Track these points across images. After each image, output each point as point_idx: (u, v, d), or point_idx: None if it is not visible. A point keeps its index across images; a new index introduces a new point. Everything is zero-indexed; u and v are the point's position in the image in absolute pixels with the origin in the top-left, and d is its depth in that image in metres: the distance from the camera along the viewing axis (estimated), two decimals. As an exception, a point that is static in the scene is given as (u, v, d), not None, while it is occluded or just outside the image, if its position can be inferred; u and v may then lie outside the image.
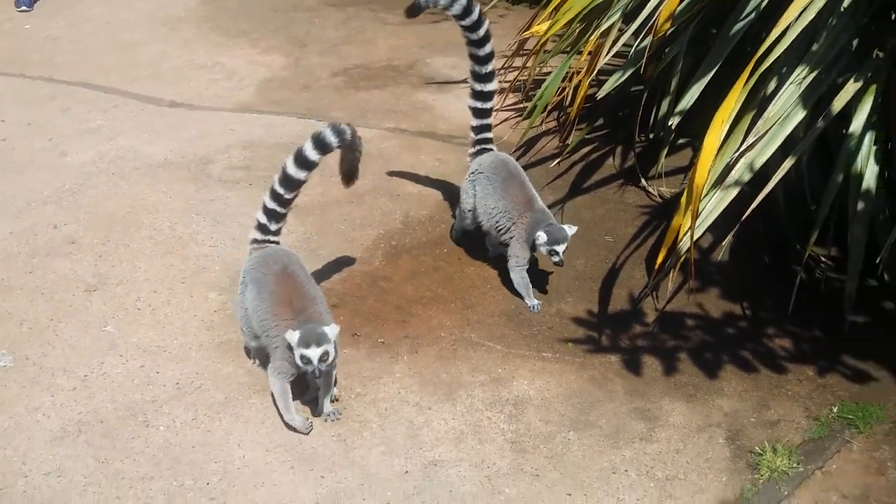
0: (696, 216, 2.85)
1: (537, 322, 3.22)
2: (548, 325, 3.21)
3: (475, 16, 3.26)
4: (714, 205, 3.04)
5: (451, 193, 3.93)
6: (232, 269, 3.36)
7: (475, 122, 3.52)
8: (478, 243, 3.63)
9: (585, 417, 2.76)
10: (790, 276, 3.14)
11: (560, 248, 3.18)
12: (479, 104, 3.45)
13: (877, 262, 2.90)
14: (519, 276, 3.31)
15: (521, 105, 4.64)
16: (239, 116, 4.67)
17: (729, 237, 3.29)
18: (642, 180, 4.03)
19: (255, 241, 2.96)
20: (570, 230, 3.24)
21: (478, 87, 3.40)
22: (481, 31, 3.29)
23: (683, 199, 3.02)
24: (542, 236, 3.18)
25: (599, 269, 3.51)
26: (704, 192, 2.95)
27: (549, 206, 3.77)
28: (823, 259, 3.39)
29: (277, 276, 2.77)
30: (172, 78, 5.13)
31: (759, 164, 3.00)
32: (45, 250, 3.48)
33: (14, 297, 3.20)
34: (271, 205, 2.91)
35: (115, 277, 3.33)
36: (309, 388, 2.81)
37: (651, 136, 4.20)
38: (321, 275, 3.40)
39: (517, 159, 4.04)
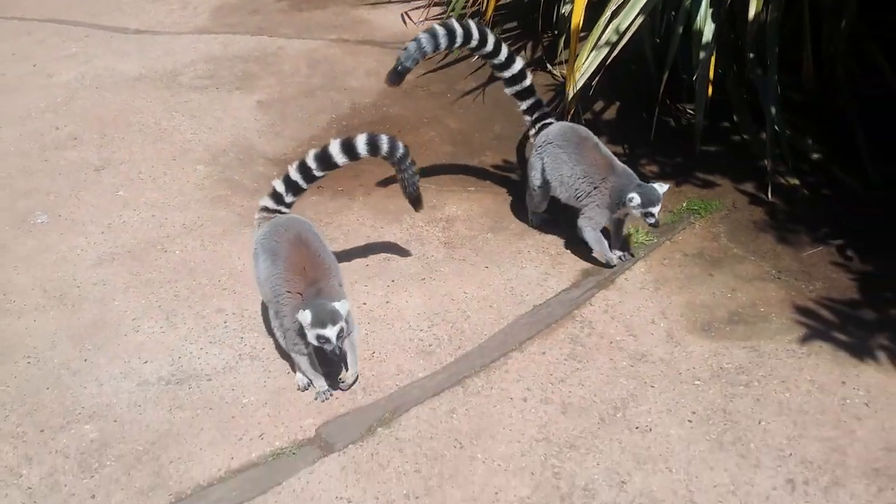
0: (574, 71, 3.84)
1: (463, 168, 4.19)
2: (473, 169, 4.19)
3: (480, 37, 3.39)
4: (590, 63, 4.02)
5: (386, 86, 4.86)
6: (212, 148, 4.27)
7: (525, 105, 3.58)
8: (410, 116, 4.58)
9: (499, 224, 3.77)
10: (662, 124, 4.16)
11: (655, 210, 3.19)
12: (518, 87, 3.54)
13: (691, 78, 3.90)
14: (594, 236, 3.40)
15: (445, 15, 5.56)
16: (198, 37, 5.50)
17: (616, 105, 4.30)
18: (548, 66, 5.01)
19: (266, 209, 3.04)
20: (662, 188, 3.23)
21: (507, 73, 3.49)
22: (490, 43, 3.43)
23: (567, 66, 4.01)
24: (635, 198, 3.18)
25: (513, 132, 4.49)
26: (585, 55, 3.94)
27: (474, 90, 4.77)
28: (690, 109, 4.43)
29: (291, 243, 2.82)
30: (132, 11, 5.92)
31: (623, 26, 3.99)
32: (52, 145, 4.32)
33: (37, 179, 4.06)
34: (295, 176, 2.98)
35: (118, 160, 4.21)
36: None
37: (556, 31, 5.17)
38: (284, 147, 4.33)
39: (441, 60, 5.04)
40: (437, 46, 3.37)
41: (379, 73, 5.07)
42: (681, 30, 3.95)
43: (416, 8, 5.78)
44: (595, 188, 3.35)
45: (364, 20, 5.74)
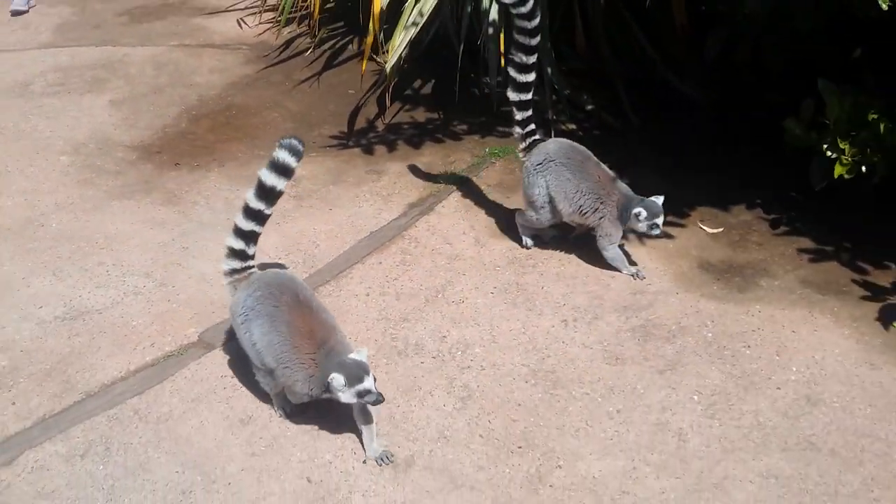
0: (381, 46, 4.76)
1: (306, 141, 4.98)
2: (312, 140, 4.99)
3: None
4: (401, 41, 4.94)
5: (229, 80, 5.60)
6: (72, 142, 4.84)
7: (520, 116, 3.71)
8: (253, 103, 5.34)
9: (339, 179, 4.60)
10: (470, 93, 5.15)
11: (660, 221, 3.51)
12: (521, 97, 3.66)
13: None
14: (614, 253, 3.67)
15: (276, 19, 6.35)
16: (45, 51, 5.99)
17: (432, 82, 5.28)
18: (372, 56, 5.92)
19: (235, 271, 3.03)
20: (660, 200, 3.54)
21: (521, 78, 3.59)
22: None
23: (369, 40, 4.93)
24: (642, 212, 3.47)
25: (345, 110, 5.34)
26: (398, 36, 4.86)
27: (310, 78, 5.59)
28: (488, 79, 5.46)
29: (291, 306, 2.84)
30: (-28, 33, 6.30)
31: (426, 9, 4.95)
32: (-86, 151, 4.72)
33: None
34: (248, 226, 2.95)
35: (-18, 158, 4.68)
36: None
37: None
38: (140, 136, 4.96)
39: (278, 56, 5.85)
40: None
41: (221, 70, 5.79)
42: (469, 9, 4.97)
43: (251, 14, 6.53)
44: (602, 203, 3.59)
45: (202, 27, 6.43)
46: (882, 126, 3.59)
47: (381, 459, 2.82)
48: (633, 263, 3.76)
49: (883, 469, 2.76)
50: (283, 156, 2.94)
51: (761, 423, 2.96)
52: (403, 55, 4.97)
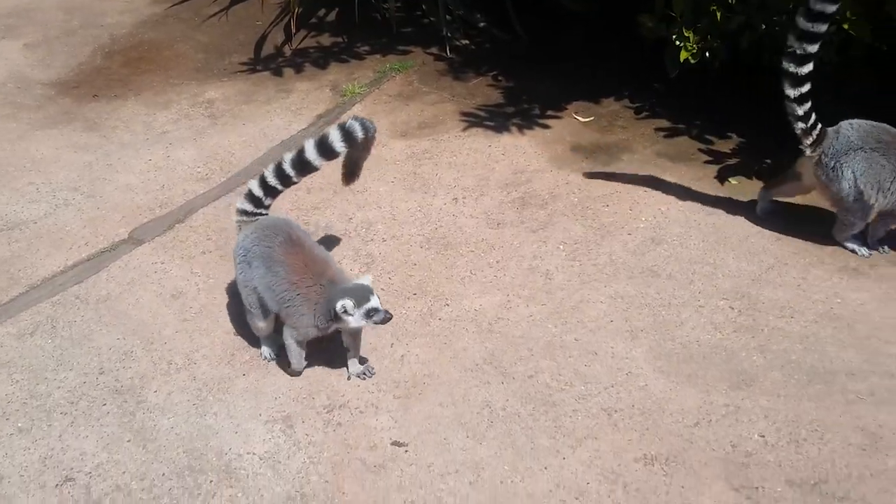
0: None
1: (216, 66, 5.42)
2: (224, 67, 5.42)
3: None
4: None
5: (139, 19, 5.97)
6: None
7: (802, 110, 3.38)
8: (164, 38, 5.72)
9: (251, 98, 5.06)
10: (372, 19, 5.64)
11: None
12: (801, 90, 3.37)
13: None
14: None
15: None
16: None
17: (335, 10, 5.75)
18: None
19: (245, 212, 3.18)
20: None
21: (800, 70, 3.31)
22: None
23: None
24: None
25: (255, 38, 5.76)
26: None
27: (219, 13, 5.95)
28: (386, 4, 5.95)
29: (285, 245, 2.99)
30: None
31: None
32: None
33: None
34: (273, 181, 3.12)
35: None
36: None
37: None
38: (57, 74, 5.32)
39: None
40: None
41: (130, 10, 6.15)
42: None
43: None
44: None
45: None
46: (719, 15, 4.24)
47: (362, 375, 3.09)
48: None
49: (708, 285, 3.45)
50: (335, 136, 3.14)
51: (613, 261, 3.62)
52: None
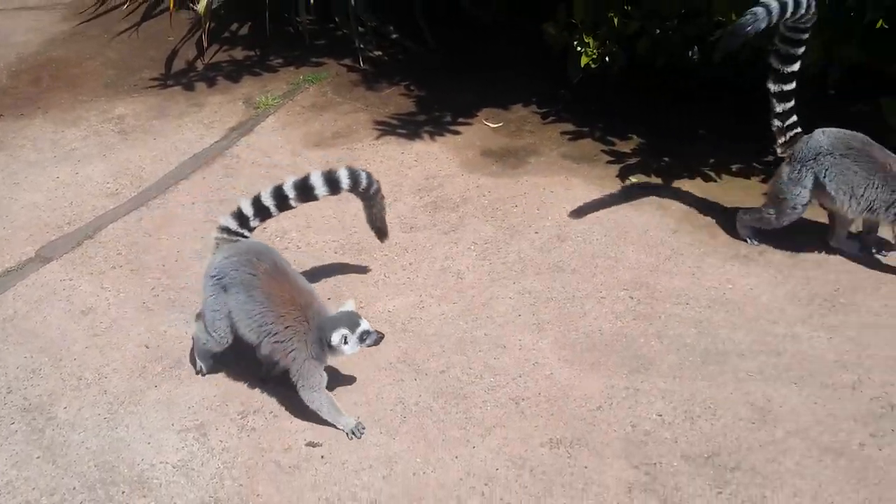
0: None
1: (126, 83, 5.38)
2: (134, 83, 5.39)
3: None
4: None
5: (47, 37, 5.89)
6: None
7: (781, 108, 3.46)
8: (73, 56, 5.66)
9: (162, 113, 5.05)
10: (285, 32, 5.69)
11: None
12: (783, 87, 3.44)
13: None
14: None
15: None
16: None
17: (248, 24, 5.79)
18: (190, 5, 6.32)
19: (227, 230, 3.03)
20: None
21: (786, 69, 3.40)
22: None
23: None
24: None
25: (166, 54, 5.75)
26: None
27: (129, 29, 5.92)
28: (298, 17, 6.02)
29: (270, 274, 2.87)
30: None
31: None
32: None
33: None
34: (268, 202, 3.00)
35: None
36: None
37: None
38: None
39: (94, 11, 6.15)
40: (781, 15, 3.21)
41: (38, 29, 6.06)
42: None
43: (63, -26, 6.75)
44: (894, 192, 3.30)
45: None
46: (616, 21, 4.46)
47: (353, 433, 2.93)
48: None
49: (610, 277, 3.61)
50: (343, 175, 3.09)
51: (521, 258, 3.75)
52: (214, 0, 5.45)
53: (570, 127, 4.75)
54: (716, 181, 4.19)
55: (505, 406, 3.04)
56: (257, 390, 3.14)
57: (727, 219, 3.88)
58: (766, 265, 3.63)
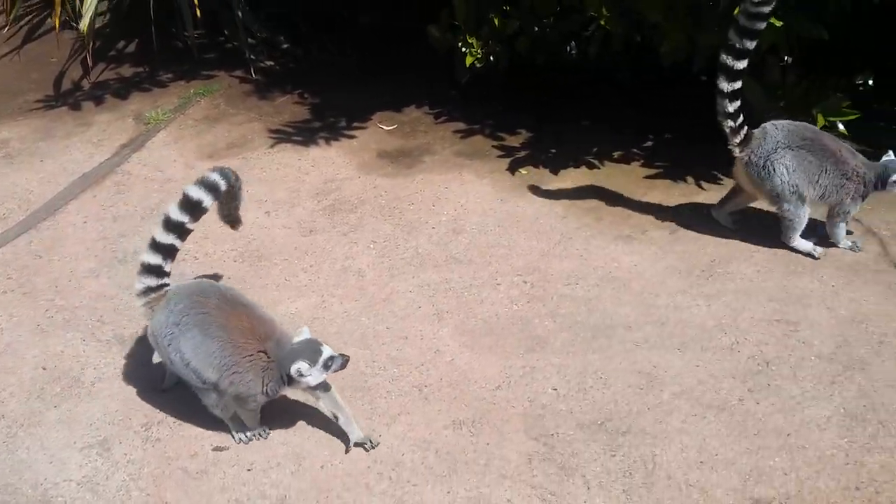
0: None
1: (10, 108, 5.23)
2: (18, 106, 5.25)
3: None
4: (88, 5, 5.28)
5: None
6: None
7: (732, 107, 3.52)
8: None
9: (49, 135, 4.95)
10: (173, 47, 5.64)
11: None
12: (734, 86, 3.50)
13: None
14: (842, 230, 3.66)
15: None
16: None
17: (136, 41, 5.73)
18: (73, 24, 6.19)
19: (149, 289, 2.91)
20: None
21: (738, 65, 3.46)
22: None
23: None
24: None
25: (51, 76, 5.62)
26: (87, 2, 5.22)
27: (11, 52, 5.76)
28: (196, 32, 5.98)
29: (222, 307, 2.78)
30: None
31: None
32: None
33: None
34: (166, 239, 2.87)
35: None
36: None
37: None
38: None
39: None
40: None
41: None
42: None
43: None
44: (847, 178, 3.52)
45: None
46: (497, 21, 4.63)
47: (365, 444, 2.87)
48: (848, 233, 3.77)
49: (504, 264, 3.77)
50: (215, 177, 2.99)
51: (419, 253, 3.87)
52: (99, 19, 5.38)
53: (461, 125, 4.91)
54: (599, 168, 4.42)
55: (409, 394, 3.14)
56: (160, 401, 3.14)
57: (611, 203, 4.11)
58: (648, 243, 3.86)
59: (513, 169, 4.48)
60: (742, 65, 3.48)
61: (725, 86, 3.52)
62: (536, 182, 4.34)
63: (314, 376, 2.74)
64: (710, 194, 4.12)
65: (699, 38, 4.09)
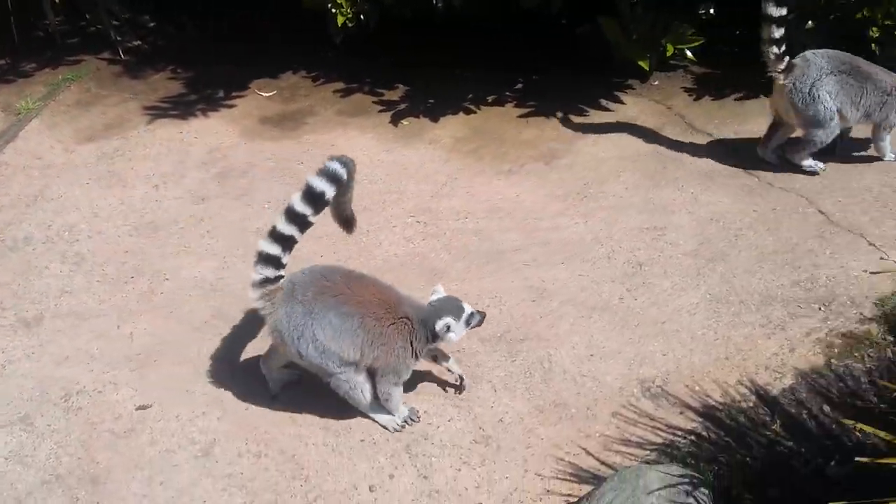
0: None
1: None
2: None
3: None
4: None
5: None
6: None
7: (778, 34, 3.74)
8: None
9: None
10: (35, 36, 5.51)
11: None
12: (780, 11, 3.72)
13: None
14: (887, 139, 3.97)
15: None
16: None
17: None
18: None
19: (268, 280, 2.82)
20: None
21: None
22: None
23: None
24: None
25: None
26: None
27: None
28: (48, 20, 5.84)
29: (349, 285, 2.79)
30: None
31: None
32: None
33: None
34: (288, 230, 2.78)
35: None
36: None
37: None
38: None
39: None
40: None
41: None
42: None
43: None
44: (888, 94, 3.82)
45: None
46: (362, -21, 4.81)
47: (407, 422, 2.93)
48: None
49: (398, 208, 4.02)
50: (335, 166, 2.81)
51: (314, 207, 4.06)
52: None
53: (340, 85, 5.09)
54: (476, 112, 4.72)
55: (321, 334, 3.35)
56: (76, 373, 3.21)
57: (490, 143, 4.42)
58: (526, 175, 4.19)
59: (395, 121, 4.71)
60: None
61: (774, 10, 3.70)
62: (419, 131, 4.59)
63: (457, 332, 2.83)
64: (579, 126, 4.50)
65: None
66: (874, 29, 4.48)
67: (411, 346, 2.81)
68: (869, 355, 3.00)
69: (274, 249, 2.80)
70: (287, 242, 2.80)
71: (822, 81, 3.80)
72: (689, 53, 4.69)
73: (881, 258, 3.42)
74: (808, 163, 3.96)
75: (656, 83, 4.84)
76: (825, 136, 3.88)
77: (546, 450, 2.83)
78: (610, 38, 4.60)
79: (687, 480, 2.49)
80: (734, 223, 3.74)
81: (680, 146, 4.27)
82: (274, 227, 2.79)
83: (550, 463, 2.79)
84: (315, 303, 2.75)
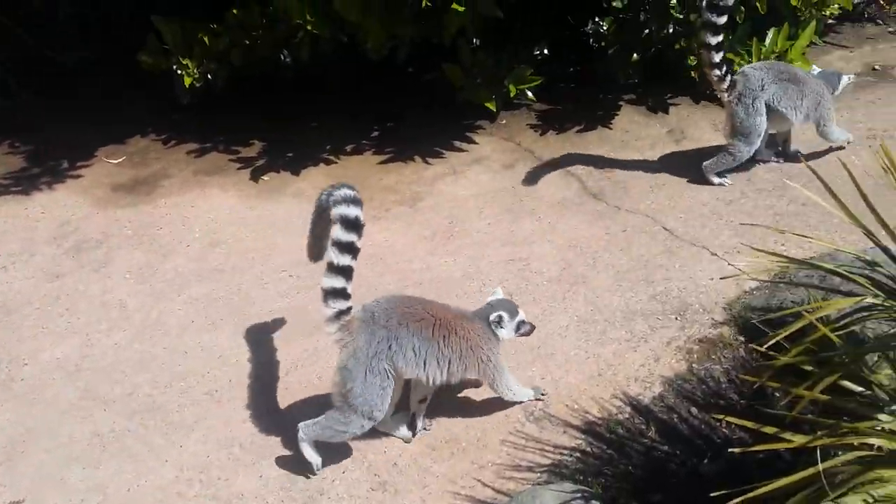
0: None
1: None
2: None
3: None
4: None
5: None
6: None
7: (718, 57, 4.07)
8: None
9: None
10: None
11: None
12: (719, 39, 4.04)
13: None
14: (836, 128, 4.33)
15: None
16: None
17: None
18: None
19: (342, 312, 2.89)
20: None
21: (721, 20, 4.02)
22: None
23: None
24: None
25: None
26: None
27: None
28: None
29: (427, 309, 2.95)
30: None
31: None
32: None
33: None
34: (344, 261, 2.83)
35: None
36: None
37: None
38: None
39: None
40: None
41: None
42: None
43: None
44: (822, 96, 4.21)
45: None
46: (207, 39, 4.79)
47: (536, 396, 3.18)
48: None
49: (267, 265, 3.99)
50: (345, 191, 2.88)
51: (180, 273, 3.96)
52: None
53: (194, 146, 5.01)
54: (336, 162, 4.78)
55: (201, 402, 3.26)
56: (-69, 478, 2.97)
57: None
58: (393, 219, 4.29)
59: (255, 177, 4.69)
60: (723, 20, 4.03)
61: (711, 39, 4.04)
62: (281, 186, 4.60)
63: (507, 330, 3.00)
64: (437, 168, 4.66)
65: (400, 32, 4.58)
66: (691, 58, 4.98)
67: (492, 347, 3.00)
68: (724, 356, 3.28)
69: (339, 283, 2.88)
70: (347, 273, 2.89)
71: (765, 91, 4.17)
72: (529, 94, 4.97)
73: (728, 265, 3.75)
74: (717, 179, 4.31)
75: (504, 122, 5.09)
76: (745, 152, 4.22)
77: (443, 486, 2.89)
78: (453, 81, 4.80)
79: (580, 496, 2.63)
80: (590, 247, 3.98)
81: (532, 179, 4.50)
82: (331, 262, 2.87)
83: (448, 499, 2.85)
84: (400, 329, 2.90)
